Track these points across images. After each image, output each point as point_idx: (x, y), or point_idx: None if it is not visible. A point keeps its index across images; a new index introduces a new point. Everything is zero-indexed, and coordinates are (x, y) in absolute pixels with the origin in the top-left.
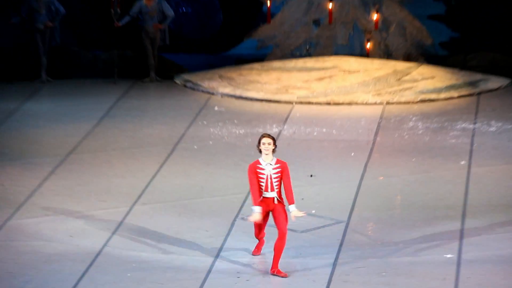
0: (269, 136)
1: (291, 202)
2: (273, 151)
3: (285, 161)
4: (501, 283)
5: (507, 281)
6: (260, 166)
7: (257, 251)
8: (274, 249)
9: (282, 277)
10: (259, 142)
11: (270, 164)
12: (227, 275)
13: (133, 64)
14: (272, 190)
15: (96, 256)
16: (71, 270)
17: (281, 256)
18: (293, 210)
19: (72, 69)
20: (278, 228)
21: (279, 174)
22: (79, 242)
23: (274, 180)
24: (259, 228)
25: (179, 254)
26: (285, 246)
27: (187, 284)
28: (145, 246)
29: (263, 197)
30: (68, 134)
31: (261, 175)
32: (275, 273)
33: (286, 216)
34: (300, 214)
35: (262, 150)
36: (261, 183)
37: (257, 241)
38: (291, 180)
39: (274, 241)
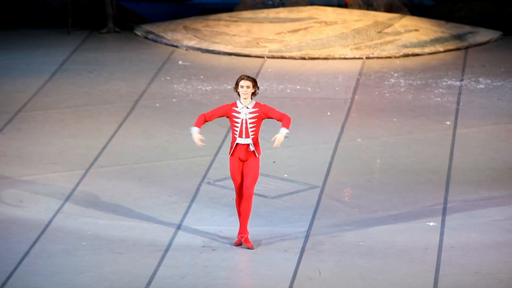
0: (248, 78)
1: (284, 125)
2: (253, 94)
3: (264, 103)
4: (487, 253)
5: (493, 251)
6: (236, 109)
7: (238, 242)
8: (239, 213)
9: (248, 247)
10: (237, 85)
11: (247, 108)
12: (191, 244)
13: (89, 12)
14: (247, 136)
15: (48, 223)
16: (20, 238)
17: (250, 225)
18: (280, 133)
19: (21, 17)
20: (244, 185)
21: (256, 119)
22: (30, 208)
23: (250, 126)
24: (238, 185)
25: (139, 222)
26: (255, 213)
27: (147, 254)
28: (102, 213)
29: (237, 143)
30: (17, 90)
31: (235, 119)
32: (242, 240)
33: (257, 173)
34: (281, 140)
35: (240, 93)
36: (235, 128)
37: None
38: (277, 113)
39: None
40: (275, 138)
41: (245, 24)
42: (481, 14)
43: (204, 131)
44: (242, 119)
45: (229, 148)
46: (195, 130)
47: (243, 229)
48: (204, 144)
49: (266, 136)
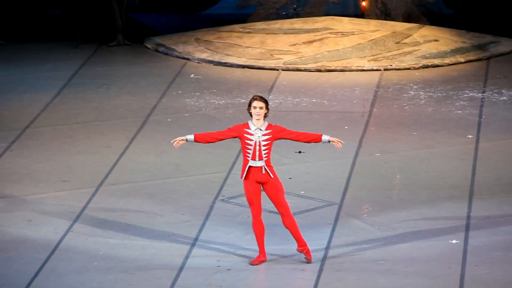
0: (261, 99)
1: (320, 136)
2: (265, 115)
3: (276, 124)
4: None
5: None
6: (249, 130)
7: (256, 261)
8: (288, 228)
9: (307, 259)
10: (250, 105)
11: (260, 130)
12: (205, 264)
13: (98, 25)
14: (261, 158)
15: (58, 243)
16: (30, 259)
17: (266, 243)
18: (328, 136)
19: (27, 31)
20: (276, 204)
21: (269, 142)
22: (39, 227)
23: (263, 148)
24: (256, 208)
25: (151, 241)
26: (270, 232)
27: (161, 274)
28: (113, 232)
29: (250, 166)
30: (24, 105)
31: (248, 141)
32: (303, 252)
33: (281, 186)
34: (336, 140)
35: (253, 114)
36: (248, 151)
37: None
38: (292, 133)
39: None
40: (333, 141)
41: (258, 35)
42: (503, 23)
43: (217, 146)
44: (256, 141)
45: (240, 171)
46: (189, 136)
47: (301, 243)
48: (177, 146)
49: (281, 151)
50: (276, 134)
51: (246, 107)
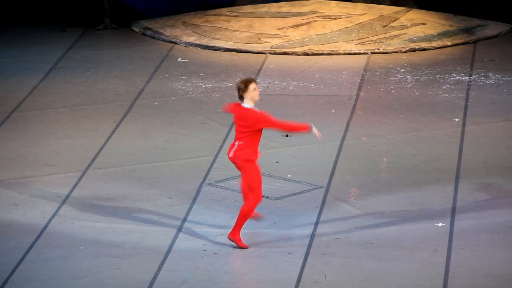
0: (254, 80)
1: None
2: None
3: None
4: (498, 254)
5: (504, 251)
6: None
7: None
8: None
9: (240, 247)
10: (247, 89)
11: None
12: (192, 248)
13: (85, 8)
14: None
15: (45, 227)
16: (16, 243)
17: (253, 227)
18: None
19: (13, 14)
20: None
21: None
22: (25, 211)
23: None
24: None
25: (138, 225)
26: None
27: (147, 258)
28: (100, 216)
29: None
30: (10, 89)
31: None
32: (230, 237)
33: (251, 173)
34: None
35: (254, 97)
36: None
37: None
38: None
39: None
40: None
41: (246, 19)
42: (491, 7)
43: (204, 130)
44: None
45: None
46: (311, 126)
47: (234, 228)
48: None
49: (268, 134)
50: None
51: (240, 91)
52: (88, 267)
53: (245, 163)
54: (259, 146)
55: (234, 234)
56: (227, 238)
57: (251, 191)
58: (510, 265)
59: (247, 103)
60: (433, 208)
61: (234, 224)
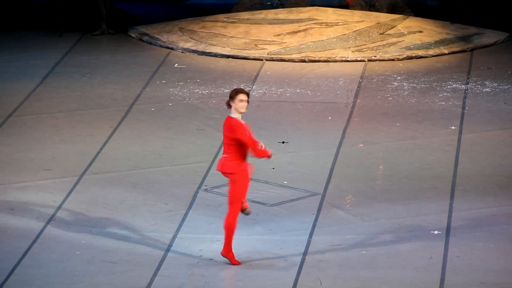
0: (246, 91)
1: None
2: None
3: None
4: (493, 262)
5: (500, 259)
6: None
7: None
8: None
9: (233, 264)
10: (234, 98)
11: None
12: (188, 254)
13: (82, 14)
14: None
15: (40, 232)
16: (11, 248)
17: (248, 233)
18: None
19: (10, 19)
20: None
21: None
22: (21, 216)
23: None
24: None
25: (134, 230)
26: (253, 221)
27: (142, 264)
28: (95, 221)
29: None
30: (7, 94)
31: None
32: (223, 255)
33: (233, 186)
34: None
35: (238, 108)
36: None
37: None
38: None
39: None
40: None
41: (243, 25)
42: (487, 15)
43: (201, 136)
44: None
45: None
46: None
47: (225, 245)
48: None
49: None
50: None
51: (229, 99)
52: (84, 272)
53: (230, 175)
54: (247, 158)
55: (227, 252)
56: (220, 255)
57: (231, 204)
58: (505, 273)
59: (233, 113)
60: (429, 216)
61: (223, 241)
